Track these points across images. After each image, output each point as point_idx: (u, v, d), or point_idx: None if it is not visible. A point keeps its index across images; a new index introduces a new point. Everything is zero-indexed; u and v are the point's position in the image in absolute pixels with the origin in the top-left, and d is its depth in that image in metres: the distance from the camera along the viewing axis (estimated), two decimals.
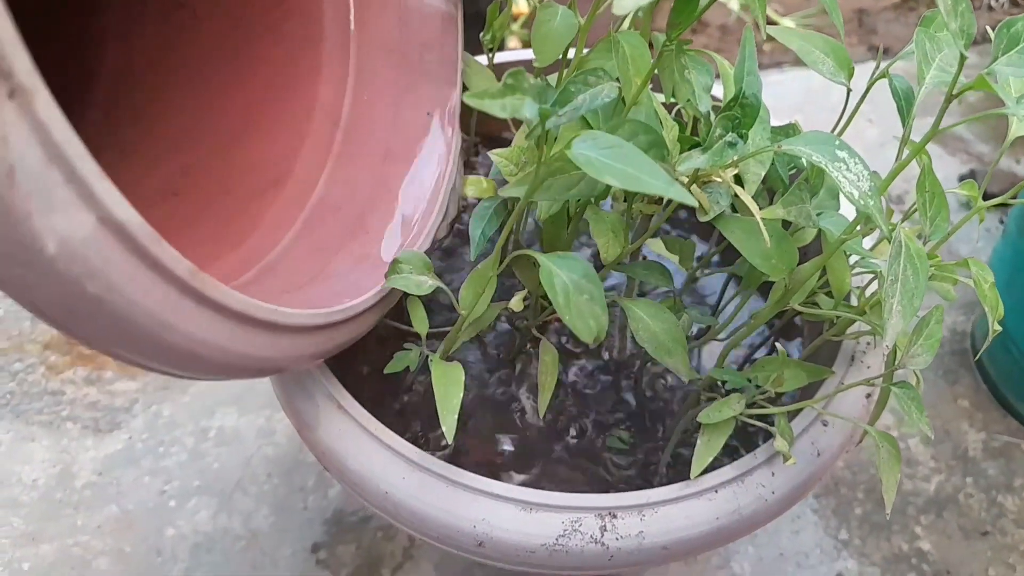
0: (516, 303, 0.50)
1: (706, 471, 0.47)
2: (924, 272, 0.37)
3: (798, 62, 1.34)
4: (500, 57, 0.65)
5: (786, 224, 0.48)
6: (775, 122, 0.47)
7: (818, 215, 0.44)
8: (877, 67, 0.47)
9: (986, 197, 1.12)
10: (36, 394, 0.89)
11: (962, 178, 1.08)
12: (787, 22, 1.30)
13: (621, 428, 0.55)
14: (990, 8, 1.64)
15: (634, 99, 0.43)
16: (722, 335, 0.55)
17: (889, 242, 0.36)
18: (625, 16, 0.54)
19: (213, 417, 0.88)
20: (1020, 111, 0.33)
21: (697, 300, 0.64)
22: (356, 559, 0.77)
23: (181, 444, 0.86)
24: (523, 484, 0.52)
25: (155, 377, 0.91)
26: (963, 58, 0.34)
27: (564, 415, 0.56)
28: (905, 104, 0.44)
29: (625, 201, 0.46)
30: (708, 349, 0.60)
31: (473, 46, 0.60)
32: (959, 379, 0.89)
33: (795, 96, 1.28)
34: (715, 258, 0.60)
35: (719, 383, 0.52)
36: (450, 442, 0.44)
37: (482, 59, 0.62)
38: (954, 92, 0.36)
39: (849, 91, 0.48)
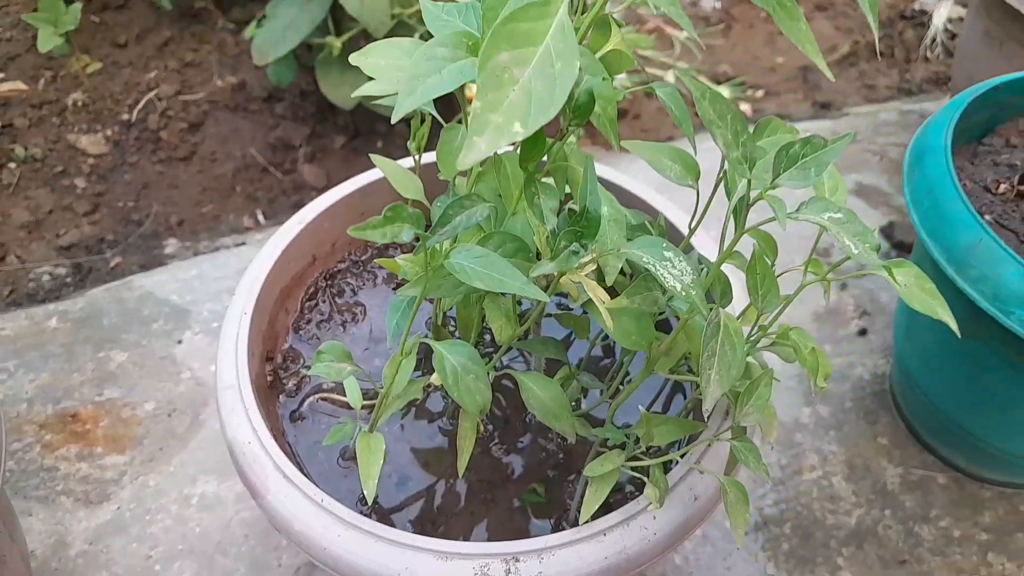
0: (437, 378, 0.59)
1: (599, 515, 0.55)
2: (740, 348, 0.45)
3: None
4: (427, 158, 0.74)
5: None
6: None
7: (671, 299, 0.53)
8: (721, 168, 0.57)
9: (902, 247, 1.20)
10: (32, 471, 0.97)
11: (882, 229, 1.17)
12: (723, 91, 1.41)
13: (537, 482, 0.63)
14: (926, 60, 1.75)
15: (512, 209, 0.52)
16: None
17: (705, 323, 0.45)
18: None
19: (195, 485, 0.96)
20: (789, 220, 0.42)
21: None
22: None
23: (166, 511, 0.94)
24: (447, 535, 0.60)
25: (142, 450, 0.99)
26: (749, 182, 0.43)
27: (488, 472, 0.64)
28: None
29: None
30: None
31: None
32: (879, 418, 0.97)
33: None
34: None
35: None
36: (369, 504, 0.52)
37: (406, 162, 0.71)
38: (749, 202, 0.45)
39: (703, 194, 0.57)
